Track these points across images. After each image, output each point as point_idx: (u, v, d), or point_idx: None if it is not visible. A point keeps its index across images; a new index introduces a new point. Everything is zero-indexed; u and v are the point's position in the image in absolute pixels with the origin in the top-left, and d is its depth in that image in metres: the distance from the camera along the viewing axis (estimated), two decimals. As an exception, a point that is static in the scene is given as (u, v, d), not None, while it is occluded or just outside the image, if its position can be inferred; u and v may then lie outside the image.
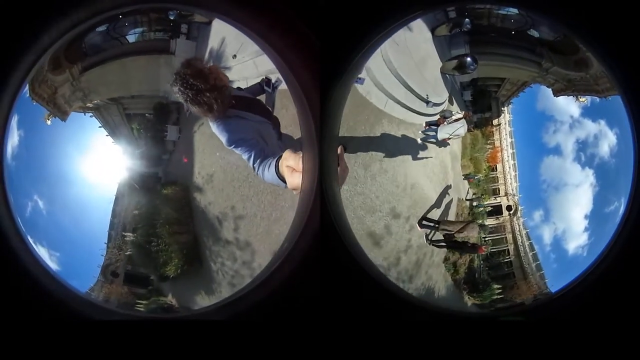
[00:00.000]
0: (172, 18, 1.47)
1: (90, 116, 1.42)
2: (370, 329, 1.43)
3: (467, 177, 1.94)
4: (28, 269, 1.39)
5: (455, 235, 1.88)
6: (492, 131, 1.88)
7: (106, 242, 1.44)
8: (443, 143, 1.93)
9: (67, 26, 1.38)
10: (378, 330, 1.43)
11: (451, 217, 1.91)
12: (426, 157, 1.93)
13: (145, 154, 1.43)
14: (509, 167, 1.85)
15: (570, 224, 1.71)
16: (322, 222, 1.40)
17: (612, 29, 1.40)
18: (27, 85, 1.42)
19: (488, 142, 1.89)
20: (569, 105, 1.73)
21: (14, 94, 1.39)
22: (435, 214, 1.90)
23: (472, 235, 1.88)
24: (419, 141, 1.96)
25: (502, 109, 1.86)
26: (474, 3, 1.66)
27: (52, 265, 1.45)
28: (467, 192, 1.92)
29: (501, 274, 1.87)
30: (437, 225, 1.90)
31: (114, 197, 1.42)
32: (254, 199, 1.55)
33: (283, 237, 1.55)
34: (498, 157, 1.88)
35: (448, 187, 1.94)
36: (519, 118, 1.86)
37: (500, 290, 1.80)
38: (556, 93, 1.75)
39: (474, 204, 1.91)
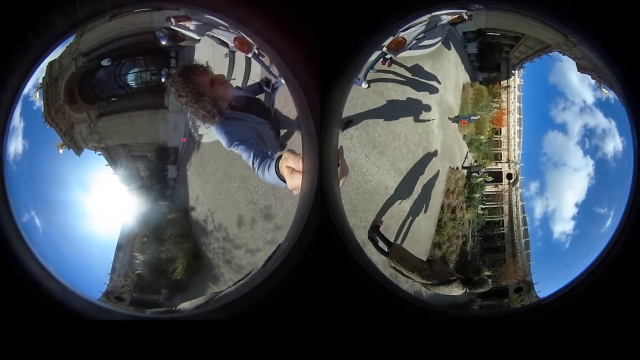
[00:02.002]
0: (163, 42, 1.74)
1: (99, 154, 1.68)
2: (370, 328, 1.43)
3: (457, 119, 1.59)
4: (28, 269, 1.39)
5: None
6: (500, 91, 1.64)
7: (109, 272, 1.68)
8: (423, 85, 1.43)
9: (65, 26, 1.39)
10: (378, 330, 1.43)
11: (436, 198, 1.46)
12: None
13: (153, 194, 1.73)
14: (514, 133, 1.65)
15: (561, 205, 1.63)
16: (322, 222, 1.40)
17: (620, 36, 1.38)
18: (43, 107, 1.60)
19: (494, 100, 1.64)
20: (583, 90, 1.59)
21: (13, 95, 1.39)
22: (403, 208, 1.38)
23: (453, 294, 1.52)
24: (364, 86, 1.49)
25: (513, 72, 1.64)
26: (473, 3, 1.62)
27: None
28: (465, 157, 1.60)
29: (493, 246, 1.69)
30: (387, 254, 1.46)
31: (119, 233, 1.67)
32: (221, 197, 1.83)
33: (283, 237, 1.56)
34: (504, 120, 1.65)
35: (431, 155, 1.46)
36: (529, 85, 1.66)
37: (490, 278, 1.65)
38: (581, 69, 1.57)
39: (473, 172, 1.63)
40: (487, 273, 1.64)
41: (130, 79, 1.73)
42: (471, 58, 1.62)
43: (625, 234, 1.41)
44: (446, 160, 1.56)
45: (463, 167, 1.62)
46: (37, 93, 1.56)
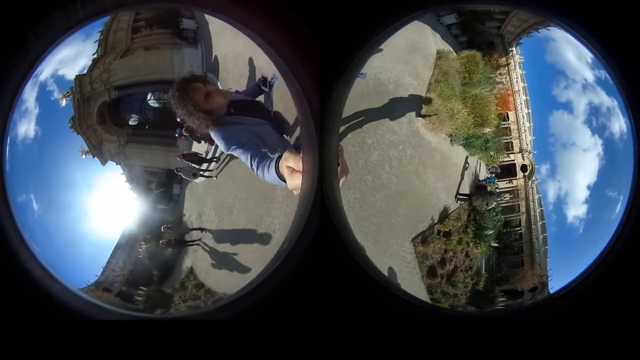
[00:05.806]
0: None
1: (117, 164, 2.03)
2: (370, 328, 1.43)
3: None
4: (28, 269, 1.39)
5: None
6: (500, 64, 1.39)
7: (103, 266, 1.95)
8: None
9: (66, 26, 1.39)
10: (378, 330, 1.43)
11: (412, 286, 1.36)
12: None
13: (160, 203, 2.19)
14: (523, 117, 1.45)
15: (573, 188, 1.51)
16: (322, 222, 1.40)
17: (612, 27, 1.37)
18: (74, 117, 1.89)
19: (494, 74, 1.37)
20: (582, 68, 1.43)
21: (13, 95, 1.39)
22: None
23: None
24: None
25: (510, 48, 1.41)
26: (471, 3, 1.59)
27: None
28: (462, 174, 1.31)
29: (510, 252, 1.51)
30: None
31: (121, 232, 2.01)
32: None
33: (283, 237, 1.56)
34: (510, 103, 1.42)
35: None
36: (530, 62, 1.50)
37: (504, 299, 1.54)
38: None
39: (475, 205, 1.34)
40: (501, 299, 1.50)
41: (151, 113, 2.15)
42: (452, 31, 1.32)
43: (630, 223, 1.37)
44: (400, 234, 1.19)
45: (459, 197, 1.20)
46: (64, 101, 1.80)
